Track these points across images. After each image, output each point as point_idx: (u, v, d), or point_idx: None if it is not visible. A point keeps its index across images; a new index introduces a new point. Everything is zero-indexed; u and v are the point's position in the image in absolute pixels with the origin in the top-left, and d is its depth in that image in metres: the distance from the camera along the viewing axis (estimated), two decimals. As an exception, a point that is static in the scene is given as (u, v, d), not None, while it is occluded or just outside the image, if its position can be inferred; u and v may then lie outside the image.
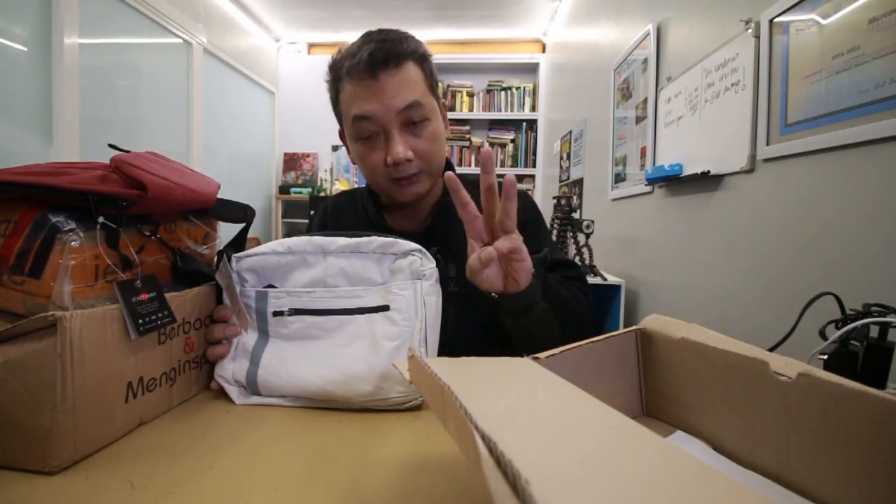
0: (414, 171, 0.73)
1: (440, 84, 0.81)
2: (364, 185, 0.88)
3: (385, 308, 0.56)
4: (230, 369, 0.56)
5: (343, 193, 0.92)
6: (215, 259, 0.59)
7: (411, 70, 0.71)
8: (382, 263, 0.57)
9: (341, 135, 0.81)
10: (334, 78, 0.74)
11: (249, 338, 0.57)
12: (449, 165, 0.85)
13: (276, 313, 0.56)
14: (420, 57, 0.73)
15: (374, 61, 0.68)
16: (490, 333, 0.79)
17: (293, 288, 0.57)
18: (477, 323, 0.75)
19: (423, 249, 0.58)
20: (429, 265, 0.57)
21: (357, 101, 0.70)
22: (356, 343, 0.55)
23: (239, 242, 0.67)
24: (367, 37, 0.71)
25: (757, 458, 0.37)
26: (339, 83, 0.73)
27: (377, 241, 0.57)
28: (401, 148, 0.70)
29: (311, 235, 0.59)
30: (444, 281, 0.76)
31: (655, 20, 1.76)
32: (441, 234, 0.80)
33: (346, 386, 0.52)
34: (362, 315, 0.56)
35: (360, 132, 0.72)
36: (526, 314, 0.62)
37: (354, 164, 0.80)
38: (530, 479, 0.16)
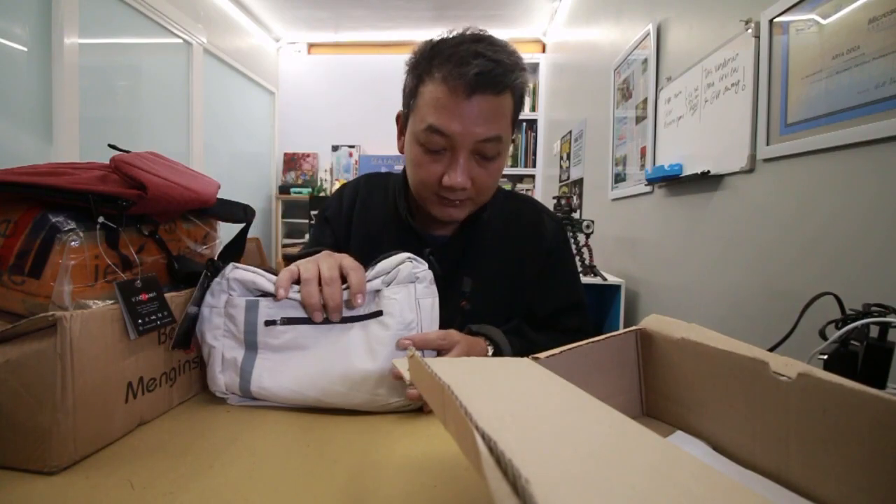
0: (463, 197, 0.70)
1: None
2: (399, 175, 0.83)
3: (378, 314, 0.54)
4: (222, 382, 0.54)
5: (378, 175, 0.88)
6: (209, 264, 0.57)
7: (507, 102, 0.67)
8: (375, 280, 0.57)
9: (398, 119, 0.76)
10: (423, 67, 0.67)
11: (237, 352, 0.54)
12: None
13: (269, 322, 0.54)
14: (518, 88, 0.68)
15: (478, 82, 0.62)
16: None
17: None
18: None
19: (413, 256, 0.57)
20: (421, 268, 0.57)
21: (440, 111, 0.64)
22: (351, 351, 0.53)
23: (239, 242, 0.67)
24: (479, 44, 0.64)
25: (757, 458, 0.37)
26: (426, 75, 0.66)
27: (368, 273, 0.56)
28: (463, 178, 0.66)
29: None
30: (456, 296, 0.74)
31: (655, 20, 1.76)
32: (463, 245, 0.78)
33: (344, 396, 0.52)
34: (356, 322, 0.54)
35: (429, 142, 0.67)
36: None
37: (402, 153, 0.76)
38: (530, 479, 0.16)
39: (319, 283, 0.54)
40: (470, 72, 0.61)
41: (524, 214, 0.83)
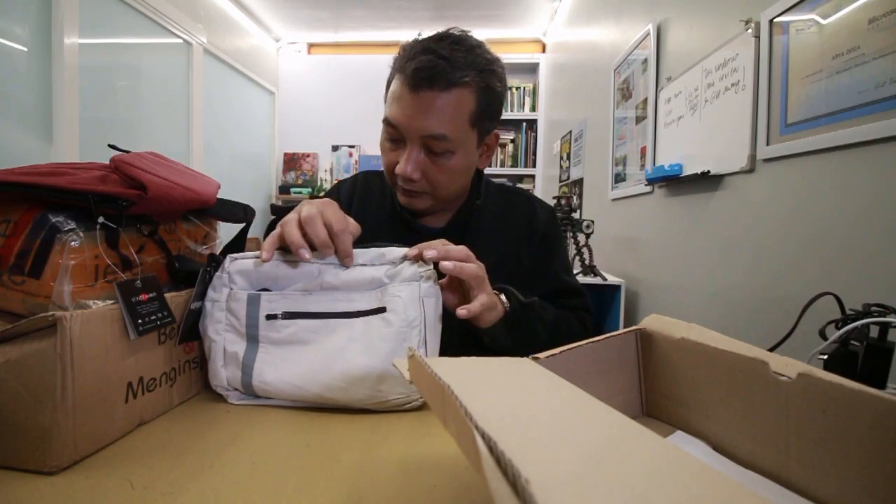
0: (417, 189, 0.73)
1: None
2: None
3: (382, 310, 0.54)
4: (223, 376, 0.55)
5: (374, 173, 0.90)
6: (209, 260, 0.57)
7: (459, 98, 0.67)
8: (380, 268, 0.56)
9: None
10: (396, 64, 0.72)
11: (238, 346, 0.55)
12: (479, 177, 0.84)
13: (270, 316, 0.54)
14: (478, 88, 0.69)
15: (419, 77, 0.65)
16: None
17: (288, 291, 0.55)
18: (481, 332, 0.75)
19: None
20: (426, 266, 0.57)
21: (393, 104, 0.70)
22: (352, 347, 0.53)
23: (239, 242, 0.67)
24: (438, 43, 0.67)
25: (757, 458, 0.37)
26: (394, 72, 0.72)
27: (371, 251, 0.56)
28: (409, 167, 0.70)
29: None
30: None
31: (655, 20, 1.76)
32: (459, 234, 0.79)
33: (345, 392, 0.52)
34: (358, 318, 0.54)
35: (387, 132, 0.73)
36: (491, 345, 0.66)
37: None
38: (530, 479, 0.16)
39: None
40: (410, 67, 0.66)
41: (518, 204, 0.86)
